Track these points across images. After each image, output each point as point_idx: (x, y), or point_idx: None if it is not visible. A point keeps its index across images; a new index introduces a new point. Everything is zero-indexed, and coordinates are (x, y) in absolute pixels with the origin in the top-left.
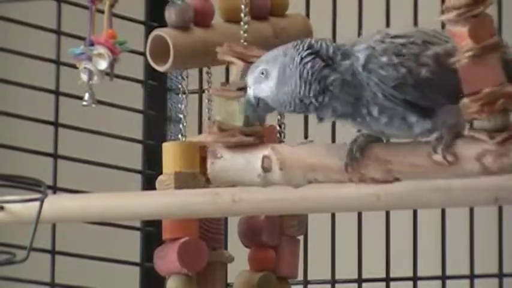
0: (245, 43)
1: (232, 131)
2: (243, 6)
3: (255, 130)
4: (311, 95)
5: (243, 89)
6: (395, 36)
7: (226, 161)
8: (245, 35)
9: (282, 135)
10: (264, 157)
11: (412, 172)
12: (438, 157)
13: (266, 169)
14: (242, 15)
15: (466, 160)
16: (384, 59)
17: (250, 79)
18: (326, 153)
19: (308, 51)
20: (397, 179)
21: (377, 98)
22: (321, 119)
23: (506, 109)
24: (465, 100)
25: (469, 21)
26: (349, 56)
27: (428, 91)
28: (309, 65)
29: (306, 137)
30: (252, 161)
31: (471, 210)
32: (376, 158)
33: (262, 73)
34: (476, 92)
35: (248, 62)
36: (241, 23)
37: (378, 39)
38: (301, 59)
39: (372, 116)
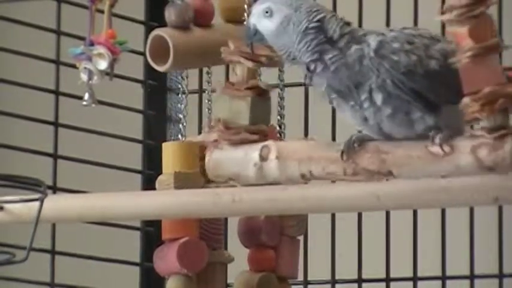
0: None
1: (238, 129)
2: (246, 6)
3: (260, 128)
4: (306, 60)
5: (251, 88)
6: (404, 28)
7: (224, 152)
8: None
9: (282, 135)
10: (263, 146)
11: (406, 163)
12: (435, 148)
13: (263, 158)
14: (246, 15)
15: (461, 152)
16: (396, 45)
17: (255, 10)
18: (325, 146)
19: (316, 24)
20: (390, 173)
21: (385, 85)
22: (310, 83)
23: (505, 109)
24: (465, 100)
25: (469, 21)
26: (359, 42)
27: (435, 84)
28: (310, 36)
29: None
30: (250, 152)
31: (471, 210)
32: (373, 149)
33: (267, 11)
34: (476, 92)
35: (257, 61)
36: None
37: (387, 30)
38: (306, 28)
39: (374, 104)
